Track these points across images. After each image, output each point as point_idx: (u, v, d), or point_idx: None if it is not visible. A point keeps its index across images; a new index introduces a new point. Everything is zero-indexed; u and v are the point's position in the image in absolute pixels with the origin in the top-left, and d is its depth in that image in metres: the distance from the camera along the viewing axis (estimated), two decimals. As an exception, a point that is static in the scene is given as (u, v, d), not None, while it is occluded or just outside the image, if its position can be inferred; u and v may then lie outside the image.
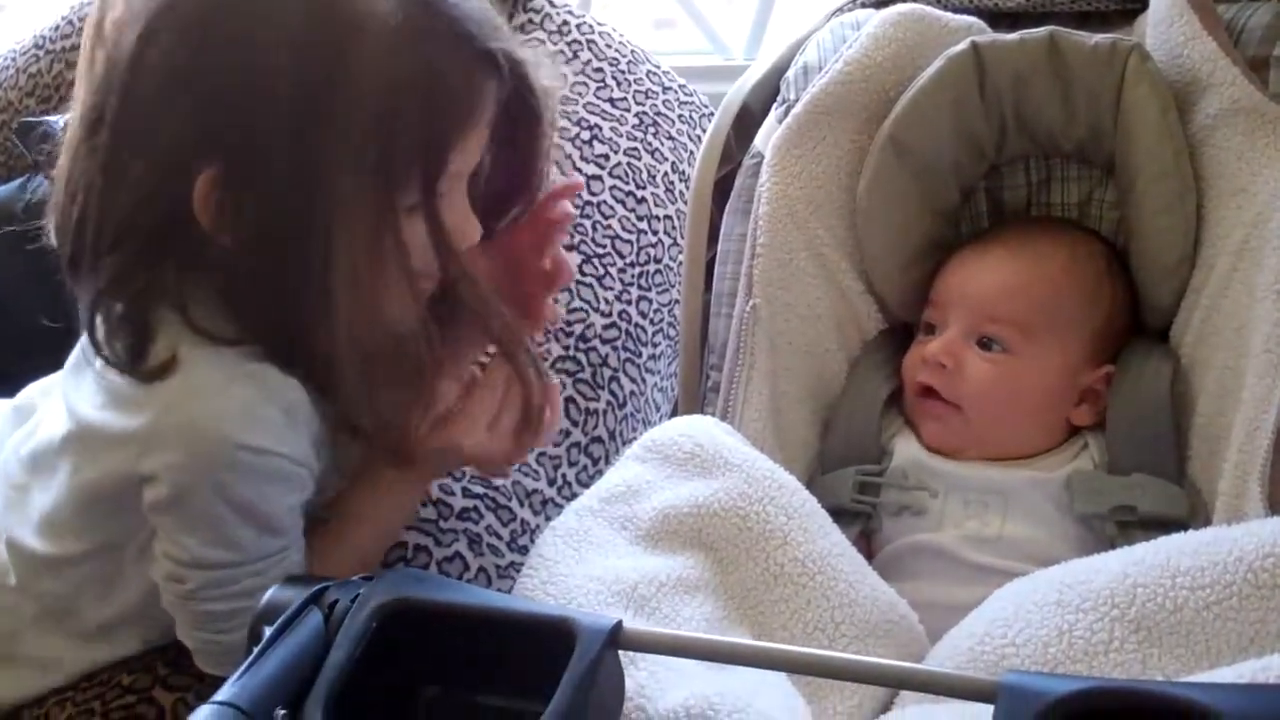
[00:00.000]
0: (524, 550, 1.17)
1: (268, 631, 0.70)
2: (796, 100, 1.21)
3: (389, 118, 0.87)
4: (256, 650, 0.68)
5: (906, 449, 1.14)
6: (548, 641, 0.68)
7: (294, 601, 0.71)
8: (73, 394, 1.00)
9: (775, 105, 1.26)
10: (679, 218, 1.50)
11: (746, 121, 1.27)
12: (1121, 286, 1.15)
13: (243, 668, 0.67)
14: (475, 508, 1.15)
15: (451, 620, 0.71)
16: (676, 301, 1.47)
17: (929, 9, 1.22)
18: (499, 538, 1.15)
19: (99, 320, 0.95)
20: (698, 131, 1.61)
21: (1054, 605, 0.86)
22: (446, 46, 0.89)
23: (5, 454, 1.09)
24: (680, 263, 1.48)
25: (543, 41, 1.55)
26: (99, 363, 0.95)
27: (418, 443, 0.98)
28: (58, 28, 1.81)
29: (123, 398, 0.94)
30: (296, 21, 0.86)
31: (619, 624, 0.68)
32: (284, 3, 0.86)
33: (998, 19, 1.25)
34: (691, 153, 1.57)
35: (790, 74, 1.26)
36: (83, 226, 0.92)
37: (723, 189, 1.25)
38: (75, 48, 1.74)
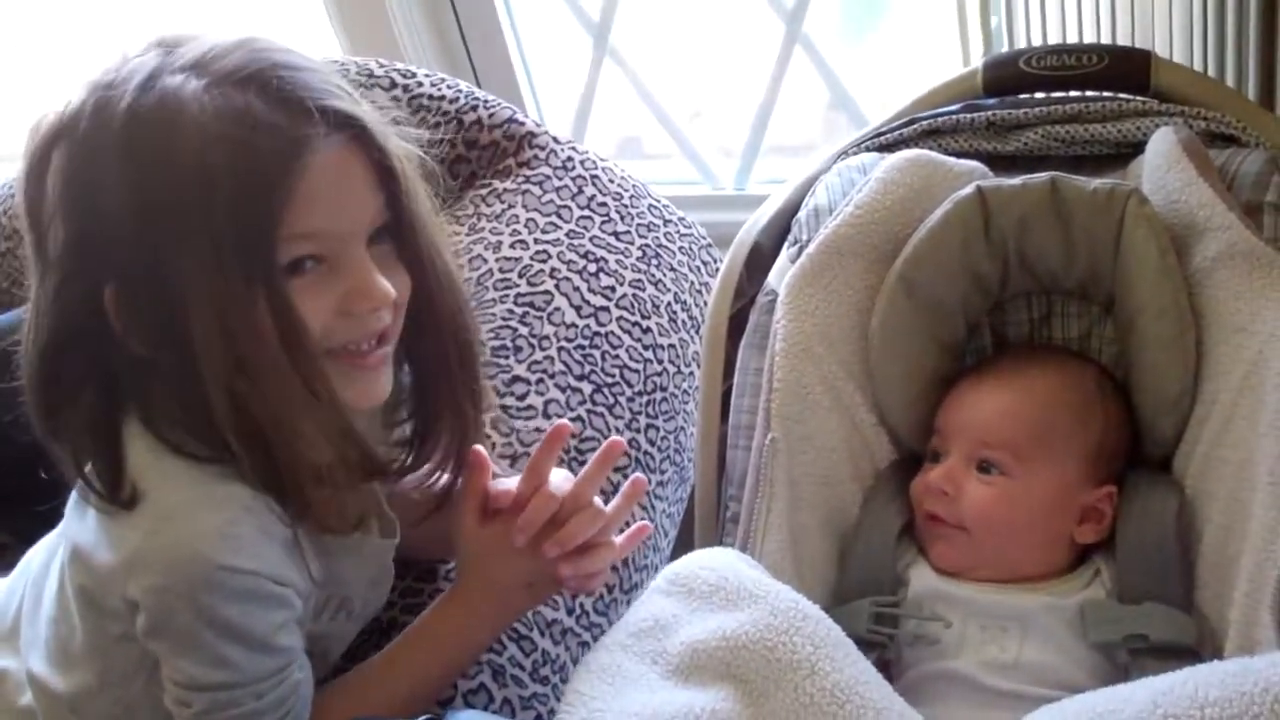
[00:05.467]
0: (545, 681, 1.18)
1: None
2: (809, 240, 1.25)
3: (207, 193, 0.88)
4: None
5: (922, 578, 1.16)
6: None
7: (363, 745, 0.72)
8: (75, 525, 1.01)
9: (787, 245, 1.29)
10: (682, 346, 1.54)
11: (757, 258, 1.30)
12: (1114, 406, 1.18)
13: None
14: (498, 639, 1.16)
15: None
16: (682, 429, 1.49)
17: (934, 154, 1.26)
18: (521, 669, 1.16)
19: (80, 461, 0.97)
20: (697, 262, 1.65)
21: (1087, 736, 0.88)
22: (260, 115, 0.89)
23: (29, 580, 1.10)
24: (684, 390, 1.51)
25: (548, 176, 1.60)
26: (93, 499, 0.97)
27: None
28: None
29: (110, 532, 0.96)
30: (120, 132, 0.89)
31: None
32: (111, 115, 0.89)
33: (997, 161, 1.29)
34: (692, 283, 1.61)
35: (801, 215, 1.29)
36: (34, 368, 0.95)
37: (736, 323, 1.28)
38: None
